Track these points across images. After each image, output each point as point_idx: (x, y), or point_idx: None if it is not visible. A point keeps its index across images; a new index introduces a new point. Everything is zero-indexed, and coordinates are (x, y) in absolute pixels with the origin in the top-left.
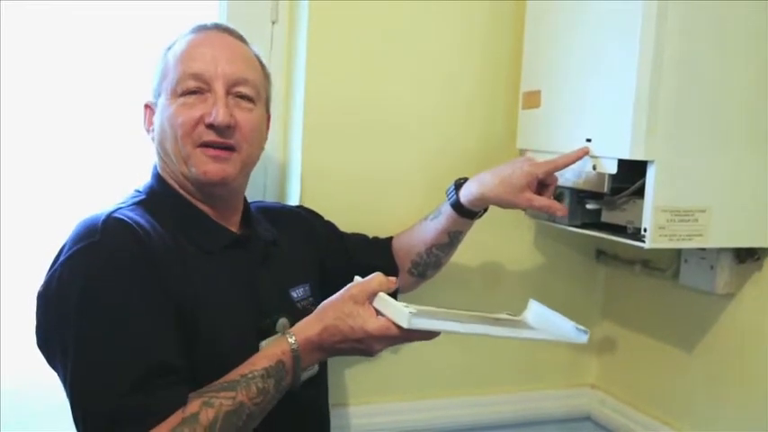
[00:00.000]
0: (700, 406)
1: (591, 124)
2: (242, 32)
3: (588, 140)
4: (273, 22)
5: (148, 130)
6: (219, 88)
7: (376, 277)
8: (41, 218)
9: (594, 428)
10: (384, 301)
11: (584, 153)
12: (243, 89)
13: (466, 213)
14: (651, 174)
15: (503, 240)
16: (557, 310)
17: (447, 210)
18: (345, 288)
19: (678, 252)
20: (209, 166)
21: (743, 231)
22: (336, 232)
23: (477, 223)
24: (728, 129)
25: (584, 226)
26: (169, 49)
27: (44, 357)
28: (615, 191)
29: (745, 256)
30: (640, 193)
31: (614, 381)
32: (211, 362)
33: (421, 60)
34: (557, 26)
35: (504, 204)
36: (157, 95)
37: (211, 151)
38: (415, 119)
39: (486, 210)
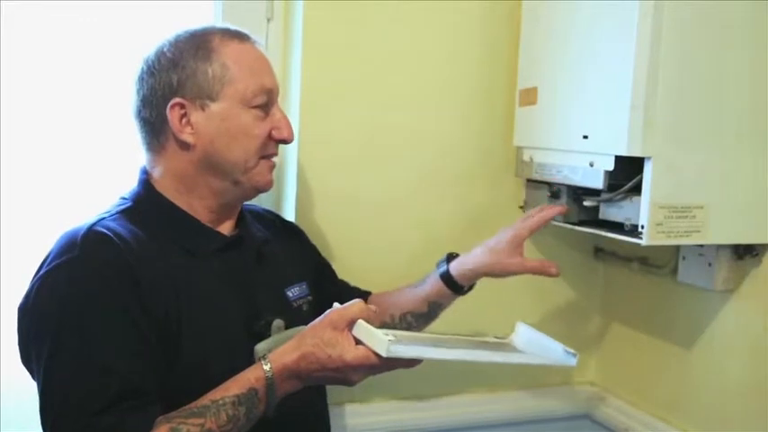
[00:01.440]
0: (699, 403)
1: (588, 121)
2: (238, 30)
3: (585, 137)
4: (269, 20)
5: (182, 132)
6: (278, 104)
7: (356, 304)
8: (42, 218)
9: (593, 426)
10: (363, 329)
11: (560, 211)
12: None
13: (453, 286)
14: (648, 170)
15: None
16: (554, 309)
17: (434, 279)
18: (324, 314)
19: (676, 249)
20: (268, 177)
21: (741, 228)
22: (322, 258)
23: (476, 222)
24: (726, 125)
25: (581, 223)
26: (212, 51)
27: (27, 371)
28: (612, 188)
29: (744, 252)
30: (638, 189)
31: (613, 378)
32: (198, 367)
33: (417, 58)
34: (553, 23)
35: (498, 273)
36: (207, 97)
37: (272, 163)
38: (412, 116)
39: (471, 287)
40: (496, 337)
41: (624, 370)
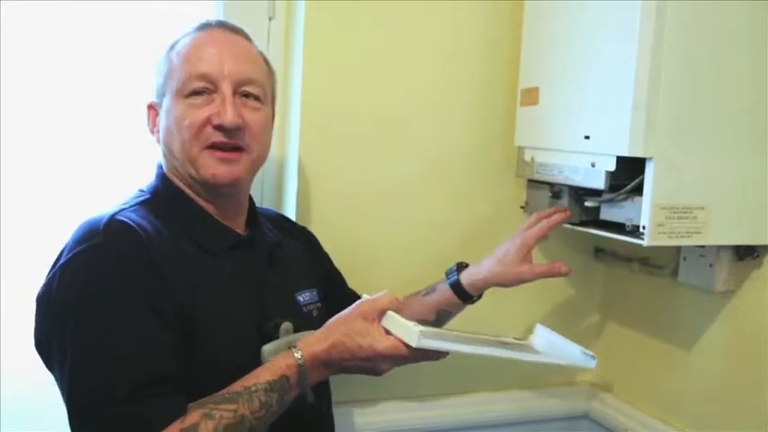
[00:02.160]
0: (698, 404)
1: (589, 121)
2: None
3: (587, 137)
4: (270, 19)
5: (153, 131)
6: (227, 89)
7: (385, 295)
8: (43, 218)
9: (593, 426)
10: (393, 320)
11: (565, 218)
12: (250, 89)
13: (463, 295)
14: (650, 171)
15: (501, 238)
16: (555, 309)
17: (444, 288)
18: (354, 305)
19: (677, 249)
20: (217, 169)
21: (742, 229)
22: (332, 265)
23: (476, 222)
24: (728, 125)
25: (582, 224)
26: (172, 48)
27: (41, 358)
28: (614, 188)
29: (745, 253)
30: (639, 190)
31: (613, 379)
32: (210, 364)
33: (419, 57)
34: (555, 23)
35: (510, 282)
36: (161, 96)
37: (219, 153)
38: (413, 116)
39: (480, 297)
40: (515, 338)
41: (624, 370)
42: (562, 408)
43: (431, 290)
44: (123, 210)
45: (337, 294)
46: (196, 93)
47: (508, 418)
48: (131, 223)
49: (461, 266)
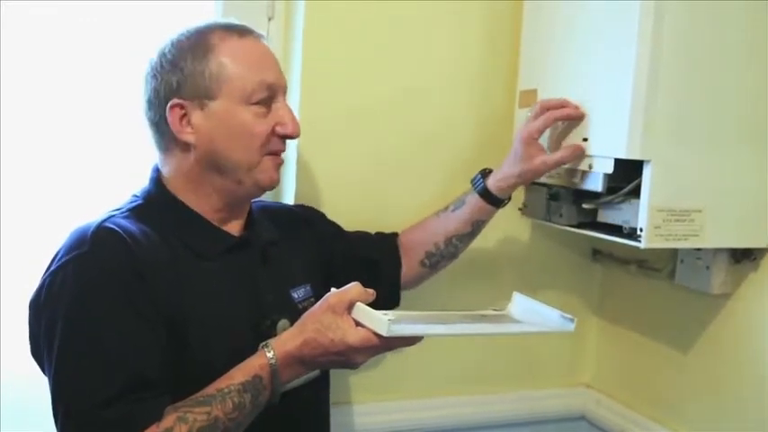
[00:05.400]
0: (695, 406)
1: (587, 123)
2: (239, 25)
3: (585, 140)
4: (270, 19)
5: (181, 132)
6: (283, 99)
7: (354, 287)
8: (43, 220)
9: (589, 428)
10: (362, 311)
11: (574, 114)
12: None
13: (493, 200)
14: (647, 173)
15: (498, 239)
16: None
17: (473, 198)
18: (323, 299)
19: (674, 252)
20: (273, 175)
21: (739, 232)
22: (340, 230)
23: None
24: (725, 128)
25: (579, 225)
26: (211, 50)
27: (38, 365)
28: (611, 190)
29: (741, 256)
30: (636, 192)
31: (609, 380)
32: (204, 366)
33: (418, 59)
34: (554, 25)
35: (531, 176)
36: (203, 97)
37: (279, 159)
38: (411, 117)
39: (509, 198)
40: (494, 309)
41: (620, 372)
42: (559, 409)
43: (459, 203)
44: (113, 216)
45: (342, 255)
46: (262, 102)
47: (506, 419)
48: (119, 230)
49: (486, 173)
